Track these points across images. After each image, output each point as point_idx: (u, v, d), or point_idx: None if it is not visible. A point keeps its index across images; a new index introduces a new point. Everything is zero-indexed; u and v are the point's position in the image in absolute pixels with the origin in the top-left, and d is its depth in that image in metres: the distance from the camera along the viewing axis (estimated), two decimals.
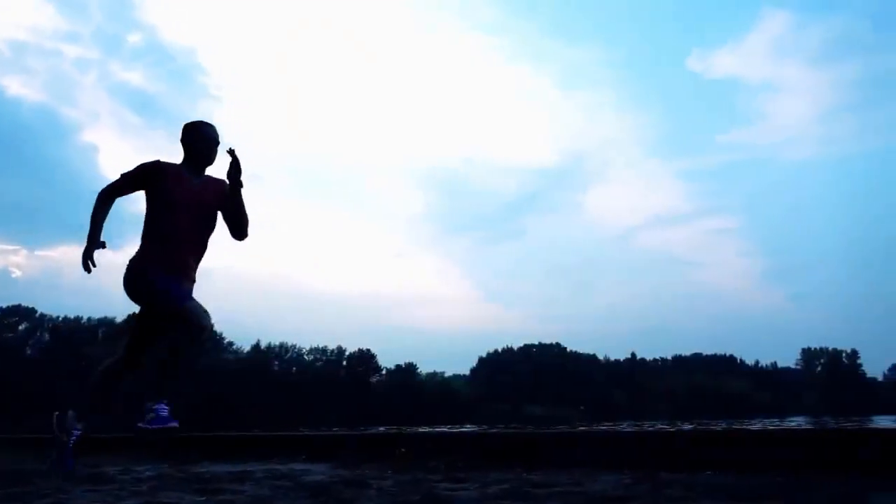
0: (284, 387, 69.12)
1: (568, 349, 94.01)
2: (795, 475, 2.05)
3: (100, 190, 3.08)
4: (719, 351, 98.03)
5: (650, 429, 4.10)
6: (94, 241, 2.96)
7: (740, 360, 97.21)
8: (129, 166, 3.10)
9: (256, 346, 75.05)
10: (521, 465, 2.50)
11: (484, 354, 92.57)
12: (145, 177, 3.06)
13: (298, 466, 2.72)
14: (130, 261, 3.02)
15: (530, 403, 77.90)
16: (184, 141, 3.21)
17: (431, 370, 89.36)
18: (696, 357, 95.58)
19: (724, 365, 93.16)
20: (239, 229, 3.21)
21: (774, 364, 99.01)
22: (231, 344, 73.90)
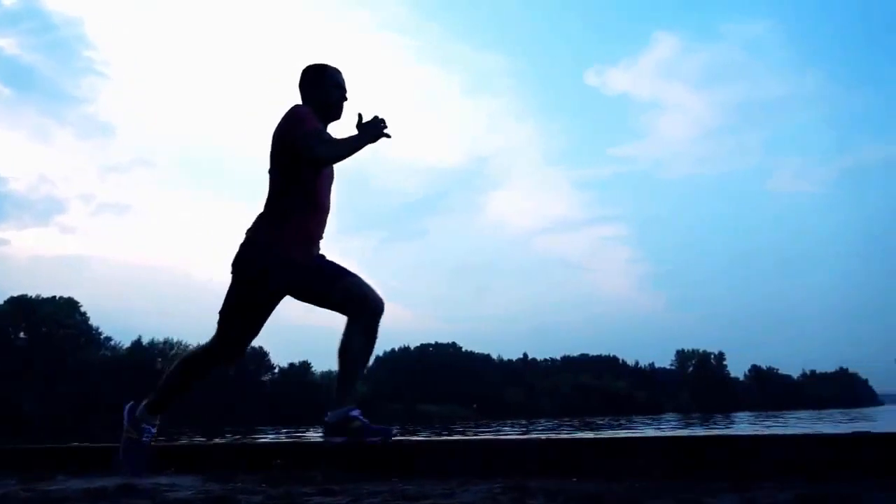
0: None
1: (463, 349, 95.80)
2: (653, 481, 2.19)
3: (320, 157, 2.42)
4: (604, 352, 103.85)
5: (524, 437, 4.30)
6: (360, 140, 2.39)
7: (622, 360, 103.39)
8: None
9: (137, 343, 70.39)
10: (398, 474, 2.50)
11: (381, 353, 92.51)
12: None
13: (164, 480, 2.56)
14: (261, 233, 2.45)
15: (425, 402, 78.62)
16: (310, 88, 2.59)
17: (327, 369, 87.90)
18: (583, 357, 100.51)
19: (607, 365, 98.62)
20: None
21: (652, 365, 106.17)
22: (108, 339, 68.93)
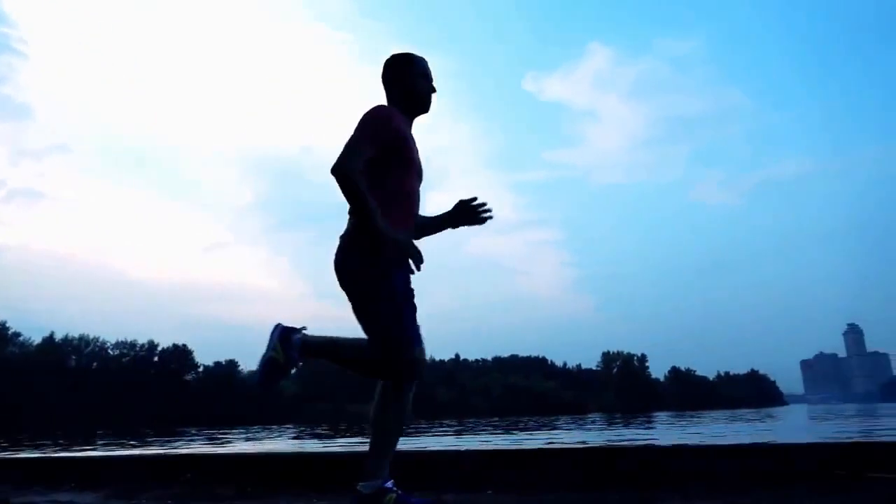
0: (83, 385, 61.96)
1: None
2: (565, 494, 2.24)
3: (332, 169, 2.07)
4: (534, 353, 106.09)
5: (440, 449, 4.33)
6: (394, 232, 2.08)
7: (551, 361, 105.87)
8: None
9: (50, 339, 66.40)
10: (312, 487, 2.45)
11: None
12: (385, 129, 2.20)
13: (63, 497, 2.42)
14: (358, 237, 2.15)
15: (355, 403, 77.85)
16: (395, 79, 2.36)
17: (254, 368, 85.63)
18: (514, 358, 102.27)
19: (537, 366, 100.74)
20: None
21: (579, 366, 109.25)
22: (17, 335, 64.74)
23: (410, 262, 2.05)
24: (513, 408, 74.81)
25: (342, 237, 2.22)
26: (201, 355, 78.86)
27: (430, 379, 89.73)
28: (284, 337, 2.24)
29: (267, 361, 2.25)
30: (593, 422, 24.36)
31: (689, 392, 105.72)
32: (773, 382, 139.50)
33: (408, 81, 2.35)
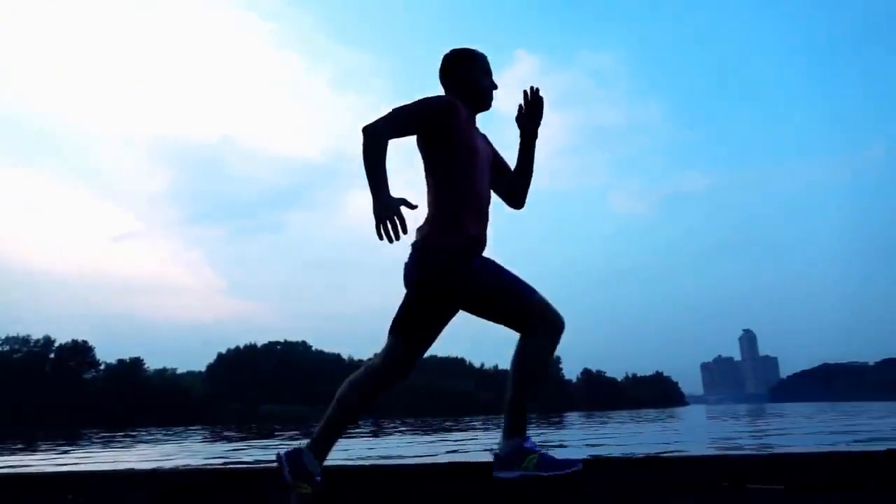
0: None
1: (314, 347, 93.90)
2: None
3: (365, 126, 2.04)
4: (452, 353, 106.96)
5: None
6: (388, 195, 1.98)
7: (469, 362, 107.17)
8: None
9: None
10: None
11: (224, 351, 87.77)
12: (441, 116, 2.11)
13: None
14: (431, 232, 2.13)
15: (269, 403, 75.79)
16: (457, 75, 2.31)
17: (161, 366, 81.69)
18: (432, 358, 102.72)
19: (455, 366, 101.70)
20: (521, 195, 2.44)
21: (496, 366, 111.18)
22: None
23: (380, 227, 1.94)
24: (430, 408, 75.14)
25: (414, 244, 2.17)
26: (104, 352, 74.37)
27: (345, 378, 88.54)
28: (296, 461, 2.05)
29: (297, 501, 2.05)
30: (500, 424, 24.86)
31: (599, 393, 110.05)
32: (676, 384, 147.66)
33: (471, 78, 2.30)
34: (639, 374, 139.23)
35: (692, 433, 11.10)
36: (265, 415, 66.97)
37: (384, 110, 2.11)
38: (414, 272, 2.13)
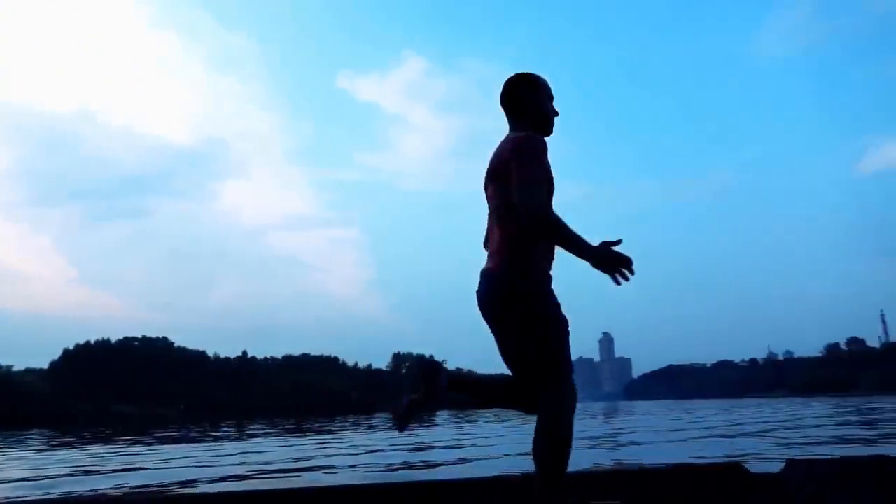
0: None
1: (176, 344, 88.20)
2: None
3: (533, 216, 1.95)
4: (325, 352, 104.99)
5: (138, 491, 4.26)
6: (594, 248, 1.94)
7: (343, 361, 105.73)
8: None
9: None
10: None
11: (71, 346, 80.00)
12: (547, 159, 2.08)
13: None
14: (521, 260, 2.03)
15: (123, 402, 70.20)
16: (527, 103, 2.21)
17: (25, 367, 73.43)
18: (305, 357, 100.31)
19: (328, 365, 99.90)
20: None
21: (370, 366, 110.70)
22: None
23: (625, 271, 1.95)
24: (301, 408, 73.26)
25: (491, 271, 2.10)
26: None
27: (212, 378, 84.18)
28: (433, 378, 2.11)
29: (409, 405, 2.14)
30: (378, 422, 24.87)
31: None
32: None
33: (540, 105, 2.23)
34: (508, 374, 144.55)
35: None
36: (119, 415, 61.90)
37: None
38: (511, 287, 2.07)
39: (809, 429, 9.56)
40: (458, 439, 10.61)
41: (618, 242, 1.97)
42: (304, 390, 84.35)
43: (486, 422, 18.76)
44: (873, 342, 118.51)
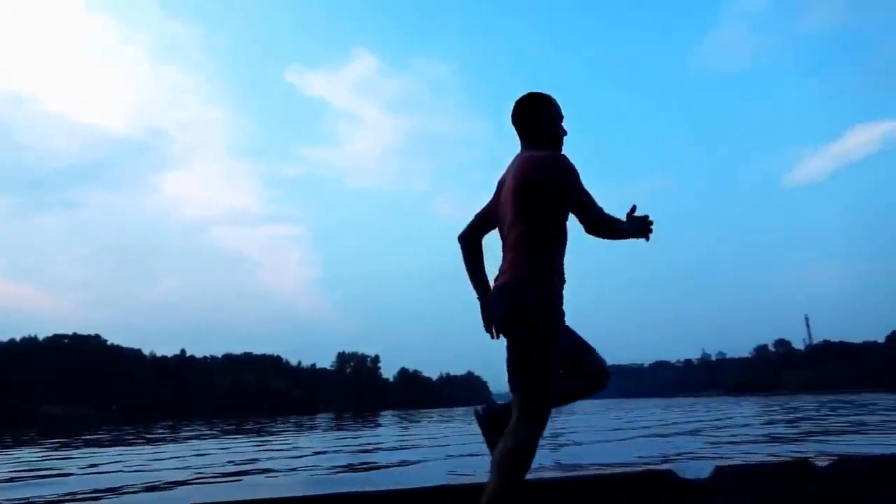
0: None
1: (109, 342, 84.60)
2: None
3: (600, 231, 2.09)
4: (268, 351, 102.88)
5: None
6: (626, 224, 2.08)
7: (285, 360, 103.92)
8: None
9: None
10: None
11: None
12: None
13: None
14: (536, 272, 2.15)
15: (50, 403, 66.82)
16: (539, 122, 2.28)
17: None
18: (247, 356, 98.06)
19: (270, 364, 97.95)
20: None
21: (314, 365, 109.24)
22: None
23: (648, 233, 2.09)
24: (242, 406, 71.49)
25: (506, 286, 2.17)
26: None
27: (147, 376, 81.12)
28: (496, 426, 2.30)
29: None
30: (321, 422, 24.51)
31: (415, 392, 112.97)
32: (486, 383, 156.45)
33: (552, 125, 2.30)
34: (452, 374, 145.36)
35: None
36: (46, 416, 58.88)
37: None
38: (528, 302, 2.15)
39: (738, 428, 9.97)
40: (402, 441, 10.57)
41: (634, 209, 2.10)
42: (245, 390, 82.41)
43: (430, 421, 18.78)
44: (798, 344, 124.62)
